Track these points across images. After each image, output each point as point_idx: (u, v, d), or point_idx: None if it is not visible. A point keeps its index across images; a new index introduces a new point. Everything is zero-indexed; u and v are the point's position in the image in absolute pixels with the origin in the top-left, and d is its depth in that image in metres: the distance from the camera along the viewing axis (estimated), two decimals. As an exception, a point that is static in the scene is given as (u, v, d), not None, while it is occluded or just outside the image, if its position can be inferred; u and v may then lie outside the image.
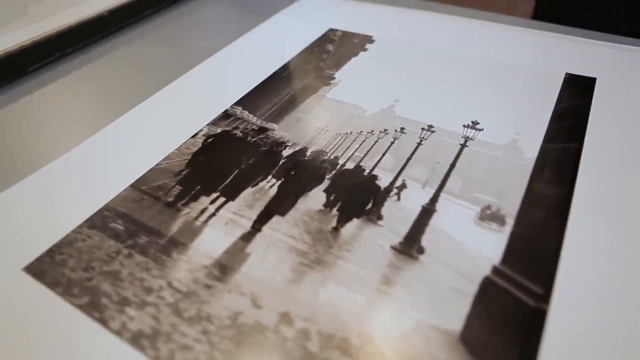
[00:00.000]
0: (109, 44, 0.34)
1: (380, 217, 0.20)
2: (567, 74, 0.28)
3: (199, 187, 0.21)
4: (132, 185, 0.21)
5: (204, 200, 0.21)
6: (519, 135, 0.24)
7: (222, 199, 0.21)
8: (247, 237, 0.19)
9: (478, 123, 0.25)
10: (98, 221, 0.20)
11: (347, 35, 0.33)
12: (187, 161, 0.23)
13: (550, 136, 0.23)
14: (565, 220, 0.19)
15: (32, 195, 0.21)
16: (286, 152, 0.23)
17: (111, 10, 0.34)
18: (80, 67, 0.31)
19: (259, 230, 0.19)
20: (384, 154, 0.23)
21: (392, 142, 0.24)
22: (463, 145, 0.23)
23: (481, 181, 0.21)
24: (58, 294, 0.17)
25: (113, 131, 0.25)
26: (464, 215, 0.20)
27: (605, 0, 0.44)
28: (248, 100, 0.27)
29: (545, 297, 0.16)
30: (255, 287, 0.17)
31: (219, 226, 0.19)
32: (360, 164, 0.22)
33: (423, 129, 0.24)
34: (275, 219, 0.20)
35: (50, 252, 0.19)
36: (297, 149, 0.23)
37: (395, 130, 0.24)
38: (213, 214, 0.20)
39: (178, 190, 0.21)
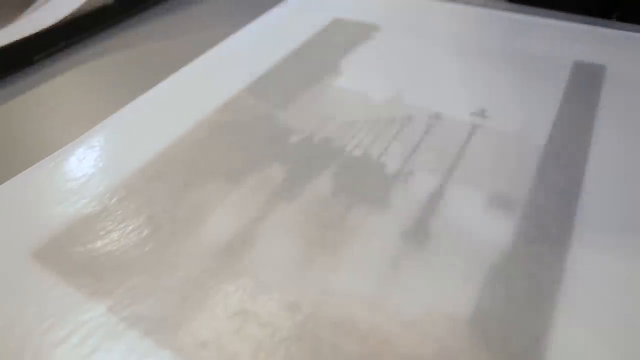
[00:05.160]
0: (115, 32, 0.34)
1: (388, 204, 0.19)
2: (575, 61, 0.28)
3: (205, 173, 0.21)
4: (139, 171, 0.21)
5: (211, 186, 0.21)
6: (527, 122, 0.23)
7: (229, 185, 0.21)
8: (255, 223, 0.19)
9: (486, 110, 0.24)
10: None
11: (352, 24, 0.33)
12: (193, 148, 0.23)
13: (559, 123, 0.23)
14: (575, 206, 0.19)
15: (38, 183, 0.21)
16: (293, 139, 0.23)
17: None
18: (87, 56, 0.32)
19: (266, 216, 0.19)
20: (391, 142, 0.23)
21: (399, 130, 0.23)
22: (471, 133, 0.23)
23: (490, 168, 0.21)
24: (68, 279, 0.17)
25: (119, 119, 0.25)
26: (472, 201, 0.19)
27: None
28: (254, 88, 0.27)
29: (556, 283, 0.16)
30: (264, 272, 0.17)
31: (226, 212, 0.19)
32: (368, 151, 0.22)
33: (430, 116, 0.24)
34: (283, 205, 0.20)
35: (60, 238, 0.19)
36: (304, 136, 0.23)
37: (403, 118, 0.24)
38: (220, 200, 0.20)
39: (185, 176, 0.21)
